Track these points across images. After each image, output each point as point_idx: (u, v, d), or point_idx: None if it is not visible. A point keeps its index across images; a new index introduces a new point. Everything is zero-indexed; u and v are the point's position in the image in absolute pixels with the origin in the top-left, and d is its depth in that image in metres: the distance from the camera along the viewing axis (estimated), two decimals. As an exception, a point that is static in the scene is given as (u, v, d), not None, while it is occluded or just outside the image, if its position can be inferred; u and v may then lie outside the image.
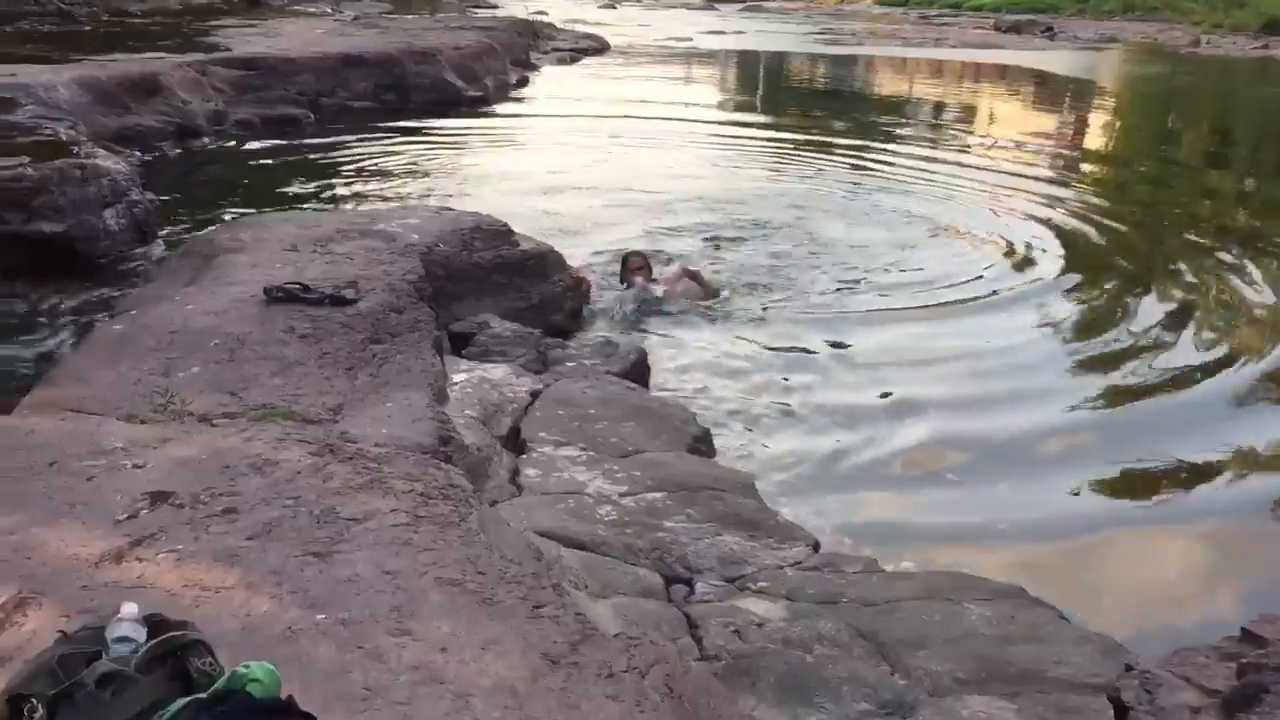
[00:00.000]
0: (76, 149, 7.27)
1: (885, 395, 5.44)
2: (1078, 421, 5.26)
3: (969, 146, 13.82)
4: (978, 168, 11.87)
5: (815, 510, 4.27)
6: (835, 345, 6.10)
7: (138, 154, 9.84)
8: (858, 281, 7.28)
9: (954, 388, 5.56)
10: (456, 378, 4.71)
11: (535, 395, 4.69)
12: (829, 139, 13.66)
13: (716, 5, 51.21)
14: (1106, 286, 7.51)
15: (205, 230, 6.28)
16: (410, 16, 25.96)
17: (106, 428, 3.38)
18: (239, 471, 3.07)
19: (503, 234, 6.04)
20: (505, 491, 3.96)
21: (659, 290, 6.58)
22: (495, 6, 35.74)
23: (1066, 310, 6.95)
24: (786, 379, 5.59)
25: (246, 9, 25.24)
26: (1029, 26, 33.25)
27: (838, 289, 7.12)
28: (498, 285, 5.79)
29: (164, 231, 7.50)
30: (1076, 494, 4.52)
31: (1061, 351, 6.24)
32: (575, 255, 7.00)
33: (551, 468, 4.13)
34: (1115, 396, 5.58)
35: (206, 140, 11.20)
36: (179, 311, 4.42)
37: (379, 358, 4.26)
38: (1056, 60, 25.82)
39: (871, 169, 11.59)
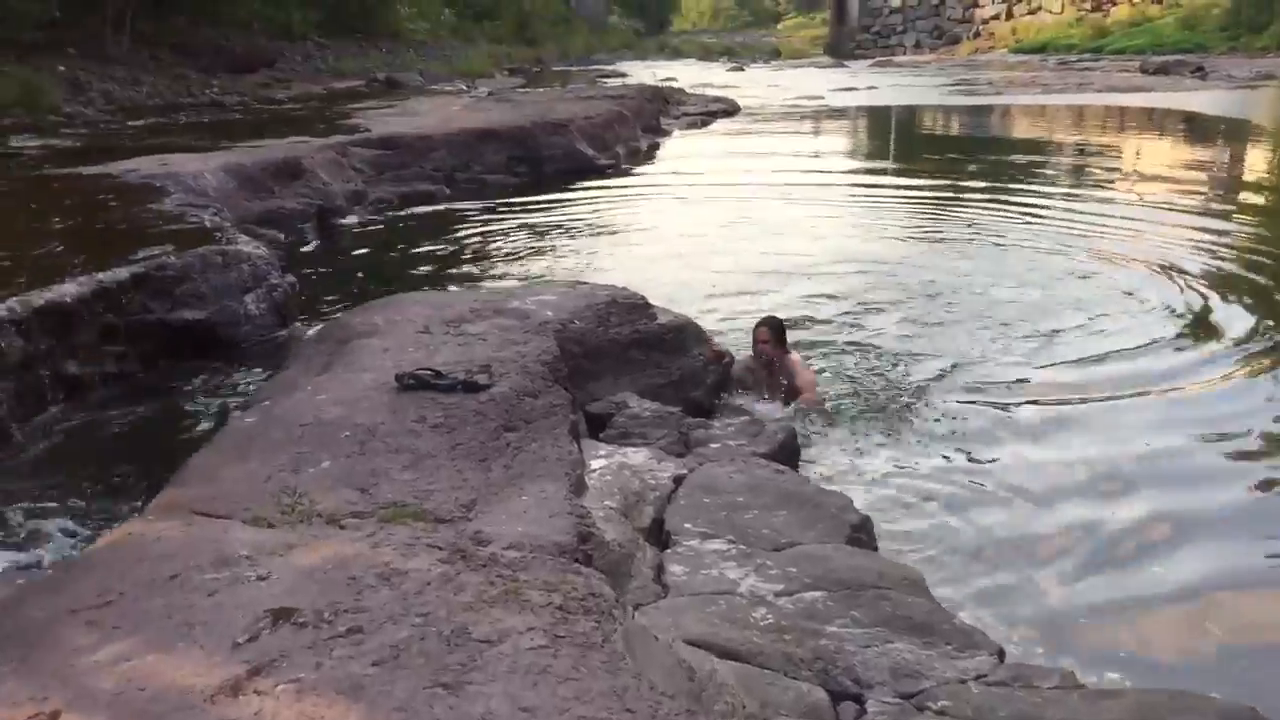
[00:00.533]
0: (219, 235, 7.37)
1: (1074, 483, 4.88)
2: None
3: (1128, 193, 13.09)
4: (1138, 214, 11.18)
5: (995, 611, 3.81)
6: (1010, 425, 5.55)
7: (280, 236, 10.02)
8: (1035, 350, 6.68)
9: (1158, 482, 4.91)
10: (594, 464, 4.44)
11: (678, 481, 4.39)
12: (975, 192, 13.14)
13: (846, 62, 50.96)
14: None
15: (340, 313, 6.21)
16: (541, 90, 26.48)
17: (232, 533, 3.21)
18: (366, 583, 2.85)
19: (639, 307, 5.79)
20: (650, 592, 3.65)
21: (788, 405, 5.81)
22: (624, 76, 36.28)
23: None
24: (953, 461, 5.10)
25: (386, 91, 26.12)
26: (1177, 67, 31.86)
27: (1012, 360, 6.52)
28: (635, 362, 5.53)
29: (303, 313, 7.52)
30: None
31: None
32: (713, 325, 6.70)
33: (699, 564, 3.80)
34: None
35: (346, 219, 11.39)
36: (310, 402, 4.28)
37: (513, 447, 4.02)
38: (1221, 101, 24.48)
39: (1031, 219, 11.01)
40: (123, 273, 6.34)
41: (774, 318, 6.09)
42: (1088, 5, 51.12)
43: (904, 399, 5.86)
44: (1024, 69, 39.47)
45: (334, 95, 25.09)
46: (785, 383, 5.82)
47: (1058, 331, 7.00)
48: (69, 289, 5.92)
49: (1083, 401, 5.85)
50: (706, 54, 62.01)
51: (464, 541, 3.19)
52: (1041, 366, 6.39)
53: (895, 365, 6.40)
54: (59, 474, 4.95)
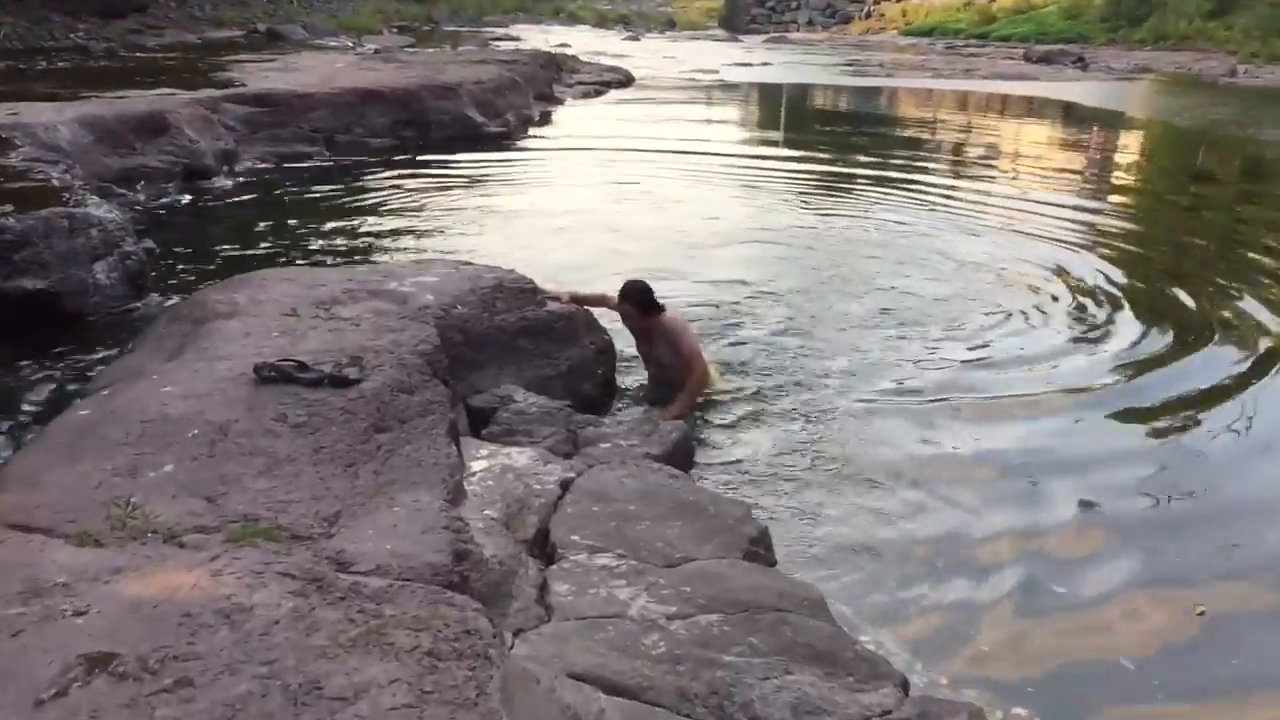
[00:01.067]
0: (67, 196, 6.73)
1: (985, 492, 4.69)
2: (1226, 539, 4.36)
3: (1010, 180, 13.17)
4: (1024, 202, 11.22)
5: (898, 634, 3.60)
6: (919, 428, 5.32)
7: (140, 197, 9.34)
8: (942, 347, 6.44)
9: (1073, 490, 4.70)
10: (475, 466, 4.10)
11: (566, 486, 4.07)
12: (864, 173, 13.07)
13: (740, 37, 50.94)
14: (1224, 363, 6.34)
15: (198, 290, 5.70)
16: (431, 50, 25.67)
17: (50, 554, 2.78)
18: (202, 622, 2.46)
19: (528, 292, 5.44)
20: (533, 615, 3.34)
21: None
22: (518, 40, 35.53)
23: (1194, 406, 5.71)
24: (857, 465, 4.86)
25: (266, 44, 24.98)
26: (1060, 57, 32.63)
27: (919, 356, 6.27)
28: (522, 351, 5.18)
29: (161, 284, 6.96)
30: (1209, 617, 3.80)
31: (1202, 457, 5.07)
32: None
33: (587, 582, 3.50)
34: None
35: (215, 180, 10.68)
36: (155, 393, 3.82)
37: (385, 449, 3.65)
38: (1099, 93, 25.09)
39: (923, 204, 10.92)
40: (-48, 236, 5.71)
41: (633, 284, 5.46)
42: (975, -10, 52.12)
43: (806, 397, 5.61)
44: (913, 52, 40.05)
45: (210, 45, 23.90)
46: (669, 349, 5.45)
47: (962, 326, 6.85)
48: (-114, 253, 5.29)
49: (994, 402, 5.68)
50: (602, 21, 61.41)
51: (322, 566, 2.83)
52: (949, 365, 6.19)
53: (795, 359, 6.16)
54: None
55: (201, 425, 3.59)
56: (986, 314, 7.09)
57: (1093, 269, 8.33)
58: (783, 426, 5.24)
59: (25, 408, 4.98)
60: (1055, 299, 7.52)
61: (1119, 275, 8.17)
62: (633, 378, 5.87)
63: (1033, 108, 22.51)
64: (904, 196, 11.35)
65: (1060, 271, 8.22)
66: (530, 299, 5.36)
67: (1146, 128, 19.76)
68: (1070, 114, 21.37)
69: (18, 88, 12.91)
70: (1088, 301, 7.45)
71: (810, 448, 5.01)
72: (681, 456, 4.60)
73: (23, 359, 5.53)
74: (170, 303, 6.27)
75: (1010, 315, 7.07)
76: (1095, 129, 19.38)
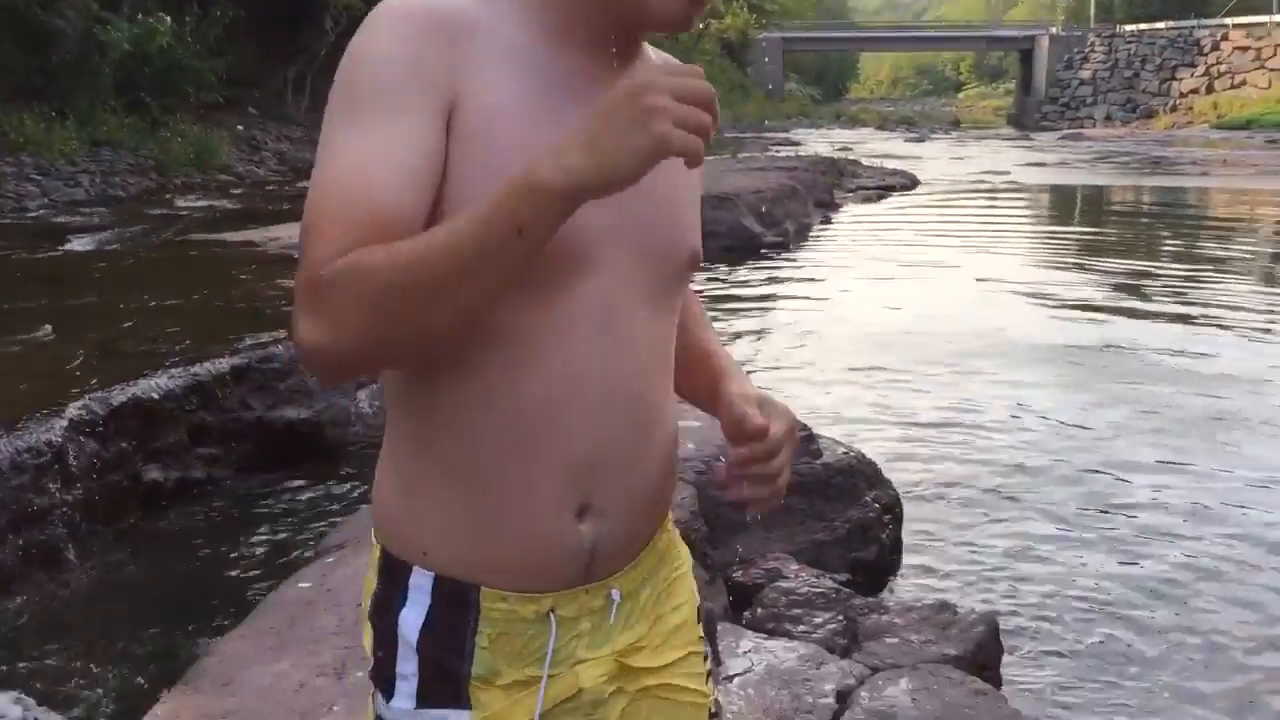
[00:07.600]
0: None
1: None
2: None
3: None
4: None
5: None
6: None
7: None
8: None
9: None
10: (733, 667, 3.42)
11: (843, 699, 3.32)
12: (1211, 309, 11.50)
13: (1031, 134, 48.86)
14: None
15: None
16: (711, 158, 25.77)
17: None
18: None
19: (803, 439, 4.76)
20: None
21: None
22: (798, 144, 35.42)
23: None
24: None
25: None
26: None
27: None
28: (793, 511, 4.51)
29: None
30: None
31: None
32: (894, 461, 5.59)
33: None
34: None
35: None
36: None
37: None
38: None
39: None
40: (223, 364, 5.71)
41: None
42: (1299, 79, 47.88)
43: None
44: (1229, 146, 36.85)
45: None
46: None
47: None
48: (158, 383, 5.30)
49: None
50: (884, 123, 60.80)
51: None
52: None
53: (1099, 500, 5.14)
54: (86, 620, 4.19)
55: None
56: None
57: None
58: (1100, 607, 4.25)
59: (279, 548, 4.76)
60: None
61: None
62: (926, 533, 5.04)
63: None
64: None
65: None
66: (803, 449, 4.68)
67: None
68: None
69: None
70: None
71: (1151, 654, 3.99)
72: (987, 657, 3.75)
73: (285, 491, 5.41)
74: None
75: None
76: None
